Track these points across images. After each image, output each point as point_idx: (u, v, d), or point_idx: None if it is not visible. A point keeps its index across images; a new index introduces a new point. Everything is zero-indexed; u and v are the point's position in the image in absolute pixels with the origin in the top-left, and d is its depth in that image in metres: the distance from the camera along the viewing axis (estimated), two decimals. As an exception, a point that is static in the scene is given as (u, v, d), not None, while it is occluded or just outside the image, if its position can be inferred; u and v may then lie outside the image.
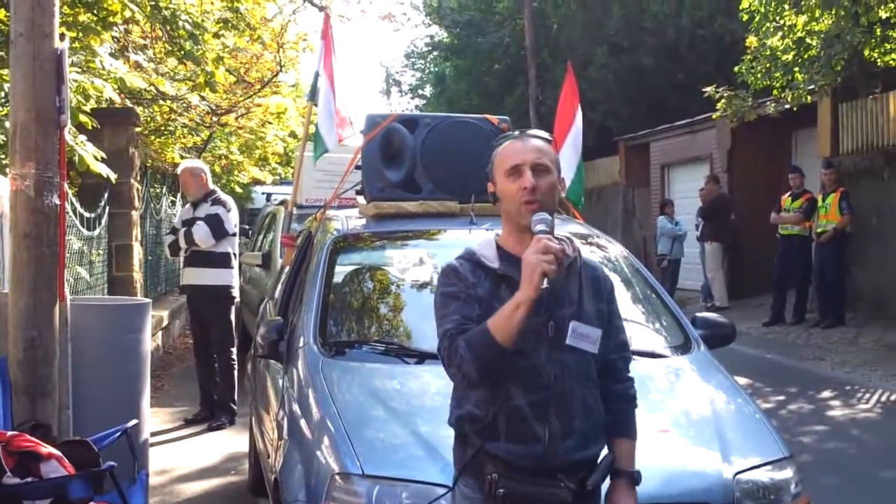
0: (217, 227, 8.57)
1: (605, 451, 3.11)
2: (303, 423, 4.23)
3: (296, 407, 4.39)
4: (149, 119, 14.22)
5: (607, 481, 3.10)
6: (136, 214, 11.83)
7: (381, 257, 5.59)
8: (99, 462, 4.68)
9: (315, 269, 5.10)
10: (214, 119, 15.92)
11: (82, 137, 7.78)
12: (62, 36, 5.33)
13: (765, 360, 11.95)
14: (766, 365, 11.59)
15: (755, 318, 14.60)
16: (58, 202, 5.12)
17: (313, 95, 6.72)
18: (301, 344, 4.65)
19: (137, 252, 11.87)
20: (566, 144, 6.30)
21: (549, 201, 3.03)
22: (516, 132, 3.18)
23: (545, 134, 3.17)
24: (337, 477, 3.69)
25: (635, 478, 3.13)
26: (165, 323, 12.43)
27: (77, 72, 7.90)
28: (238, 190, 21.30)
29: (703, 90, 15.13)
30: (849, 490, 6.62)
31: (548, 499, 2.95)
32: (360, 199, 5.77)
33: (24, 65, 4.98)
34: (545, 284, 2.79)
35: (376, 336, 4.87)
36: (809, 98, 13.86)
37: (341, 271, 5.23)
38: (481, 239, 3.19)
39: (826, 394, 9.91)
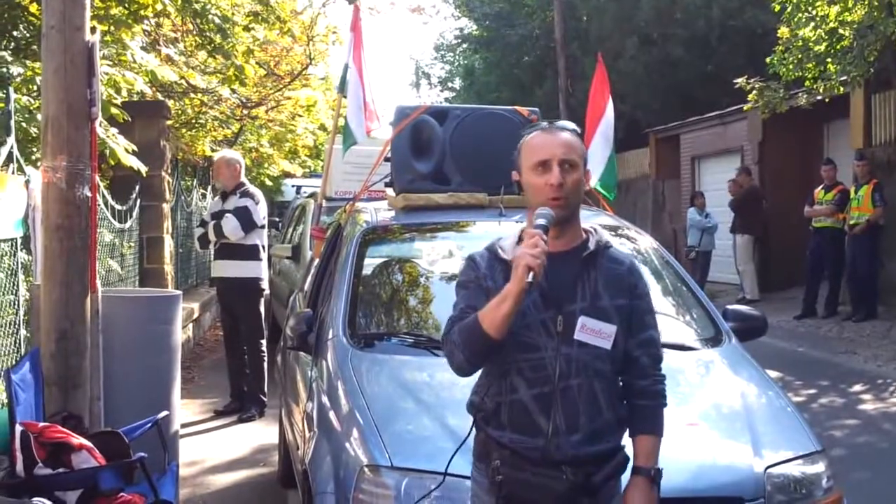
0: (246, 220, 8.60)
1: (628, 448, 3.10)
2: (332, 415, 4.23)
3: (325, 399, 4.40)
4: (180, 112, 14.28)
5: (627, 476, 3.08)
6: (167, 207, 11.90)
7: (410, 249, 5.59)
8: (129, 453, 4.73)
9: (344, 261, 5.10)
10: (245, 112, 15.98)
11: (114, 130, 7.83)
12: (93, 29, 5.36)
13: (796, 353, 11.87)
14: (798, 358, 11.51)
15: (786, 311, 14.50)
16: (89, 194, 5.16)
17: (343, 87, 6.72)
18: (330, 336, 4.66)
19: (168, 244, 11.95)
20: (597, 136, 6.26)
21: (575, 197, 3.02)
22: (545, 123, 3.15)
23: (573, 126, 3.14)
24: (366, 469, 3.69)
25: (653, 476, 3.07)
26: (196, 315, 12.50)
27: (108, 65, 7.94)
28: (268, 183, 21.32)
29: (735, 82, 15.02)
30: (881, 484, 6.57)
31: (543, 489, 2.96)
32: (390, 192, 5.77)
33: (56, 58, 5.02)
34: (529, 279, 2.79)
35: (405, 328, 4.87)
36: (842, 89, 13.73)
37: (370, 263, 5.24)
38: (509, 231, 3.19)
39: (858, 387, 9.84)
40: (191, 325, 12.03)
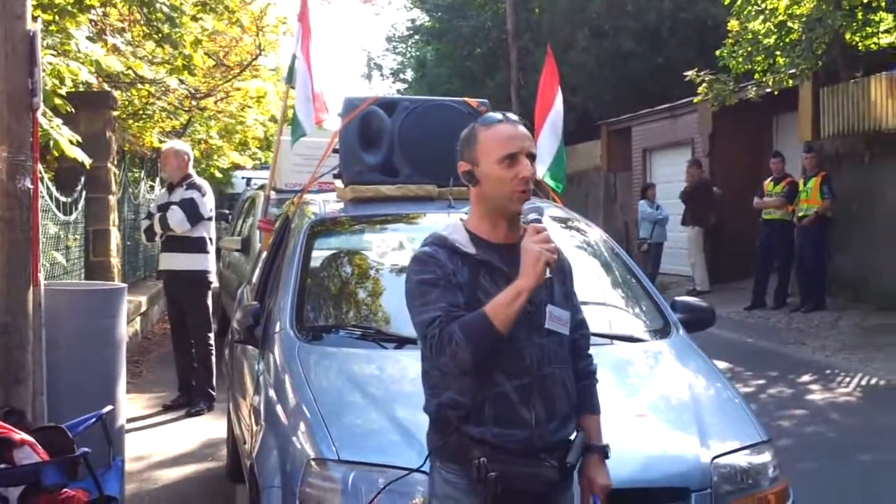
0: (192, 212, 8.49)
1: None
2: (279, 408, 4.19)
3: (272, 392, 4.35)
4: (127, 103, 14.12)
5: None
6: (113, 199, 11.74)
7: (358, 241, 5.54)
8: (73, 448, 4.63)
9: (292, 253, 5.05)
10: (193, 103, 15.83)
11: (58, 121, 7.69)
12: (35, 17, 5.27)
13: (745, 344, 11.97)
14: (747, 349, 11.60)
15: (737, 303, 14.60)
16: (31, 186, 5.06)
17: (290, 78, 6.65)
18: (277, 329, 4.61)
19: (115, 237, 11.78)
20: (546, 127, 6.26)
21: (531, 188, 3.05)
22: (498, 114, 3.12)
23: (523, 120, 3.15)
24: (313, 462, 3.65)
25: (605, 452, 3.16)
26: (144, 308, 12.37)
27: (52, 55, 7.81)
28: (218, 175, 21.18)
29: (685, 74, 15.11)
30: (828, 474, 6.63)
31: (537, 479, 2.98)
32: (338, 183, 5.72)
33: (-5, 47, 4.91)
34: (548, 274, 2.84)
35: (354, 321, 4.82)
36: (791, 82, 13.84)
37: (319, 256, 5.18)
38: (447, 223, 3.15)
39: (806, 378, 9.93)
40: (138, 319, 11.89)
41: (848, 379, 9.76)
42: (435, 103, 5.75)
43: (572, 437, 3.07)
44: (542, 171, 6.09)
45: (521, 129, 3.05)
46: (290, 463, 3.80)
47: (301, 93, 6.38)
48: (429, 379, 3.07)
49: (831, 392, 9.31)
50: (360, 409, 3.95)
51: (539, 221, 2.91)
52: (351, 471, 3.56)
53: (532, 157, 3.02)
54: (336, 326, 4.73)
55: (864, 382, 9.61)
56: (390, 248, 5.22)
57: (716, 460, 3.78)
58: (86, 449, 4.47)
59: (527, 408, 2.95)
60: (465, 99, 5.77)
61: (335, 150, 5.75)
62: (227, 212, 18.19)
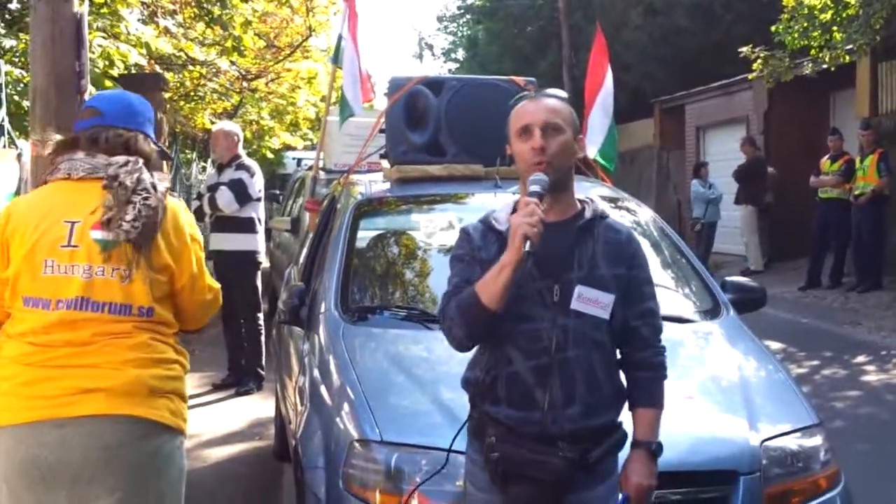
0: (241, 193, 8.51)
1: (626, 423, 3.04)
2: (323, 389, 4.19)
3: (316, 373, 4.35)
4: (178, 84, 14.21)
5: (626, 452, 3.03)
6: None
7: (404, 221, 5.52)
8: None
9: (337, 233, 5.04)
10: (244, 84, 15.89)
11: (109, 104, 7.73)
12: (82, 0, 5.29)
13: (800, 324, 11.81)
14: (801, 329, 11.45)
15: (791, 282, 14.43)
16: (78, 167, 5.07)
17: (337, 58, 6.64)
18: (322, 310, 4.60)
19: (168, 218, 11.83)
20: (596, 106, 6.20)
21: (561, 162, 2.94)
22: (532, 93, 3.12)
23: (561, 93, 3.09)
24: (356, 443, 3.65)
25: (653, 450, 3.02)
26: (196, 288, 12.41)
27: (102, 37, 7.86)
28: (269, 155, 21.29)
29: (740, 51, 14.88)
30: (882, 456, 6.52)
31: (540, 466, 2.90)
32: (385, 163, 5.70)
33: (44, 29, 4.96)
34: (527, 248, 2.74)
35: (399, 301, 4.82)
36: (847, 58, 13.58)
37: (364, 236, 5.18)
38: (503, 202, 3.12)
39: (861, 359, 9.78)
40: (191, 299, 11.95)
41: (904, 360, 9.60)
42: (481, 82, 5.71)
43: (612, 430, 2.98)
44: (593, 150, 6.03)
45: (545, 101, 2.99)
46: (333, 444, 3.80)
47: (348, 73, 6.36)
48: (473, 355, 3.08)
49: (886, 373, 9.16)
50: (404, 391, 3.94)
51: (539, 195, 2.83)
52: (394, 452, 3.55)
53: (556, 130, 2.93)
54: (381, 307, 4.72)
55: (920, 364, 9.44)
56: (436, 229, 5.19)
57: (765, 443, 3.72)
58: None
59: (542, 390, 2.88)
60: (512, 77, 5.72)
61: (381, 131, 5.72)
62: (277, 192, 18.31)
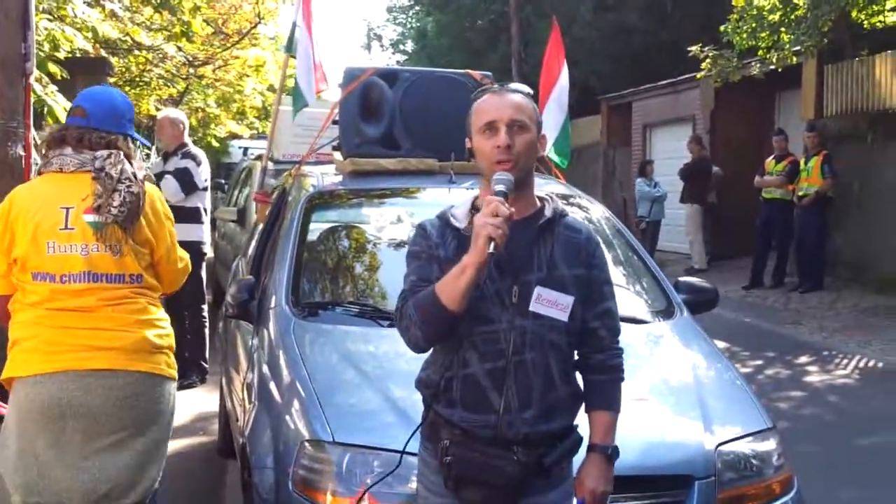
0: (186, 182, 8.34)
1: (582, 427, 2.99)
2: (272, 386, 4.10)
3: (266, 369, 4.27)
4: (124, 69, 13.96)
5: (581, 455, 2.98)
6: (109, 167, 11.58)
7: (357, 215, 5.44)
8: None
9: (289, 226, 4.95)
10: (191, 71, 15.67)
11: (53, 87, 7.56)
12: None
13: (743, 323, 11.88)
14: (745, 329, 11.51)
15: (735, 282, 14.53)
16: (23, 153, 4.97)
17: (290, 47, 6.52)
18: (272, 304, 4.51)
19: (110, 205, 11.63)
20: (550, 102, 6.15)
21: (525, 161, 2.88)
22: (495, 86, 3.01)
23: (525, 88, 3.00)
24: (307, 444, 3.58)
25: (609, 454, 2.98)
26: (140, 278, 12.21)
27: (47, 20, 7.67)
28: (215, 144, 21.09)
29: (688, 50, 14.96)
30: (826, 457, 6.57)
31: (494, 470, 2.84)
32: (337, 156, 5.61)
33: (-12, 10, 4.79)
34: (490, 249, 2.66)
35: (351, 297, 4.74)
36: (795, 59, 13.72)
37: (316, 229, 5.09)
38: (460, 198, 3.04)
39: (804, 359, 9.86)
40: (134, 289, 11.75)
41: (846, 361, 9.70)
42: (437, 75, 5.65)
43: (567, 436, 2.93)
44: (546, 146, 5.97)
45: (511, 97, 2.91)
46: (283, 443, 3.72)
47: (302, 62, 6.25)
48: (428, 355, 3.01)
49: (829, 374, 9.24)
50: (356, 389, 3.87)
51: (504, 194, 2.75)
52: (346, 453, 3.48)
53: (522, 128, 2.86)
54: (333, 303, 4.64)
55: (861, 365, 9.54)
56: (389, 223, 5.12)
57: (720, 447, 3.70)
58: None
59: (497, 393, 2.82)
60: (469, 71, 5.66)
61: (335, 122, 5.63)
62: (223, 182, 18.09)
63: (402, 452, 3.23)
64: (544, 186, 5.31)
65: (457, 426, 2.85)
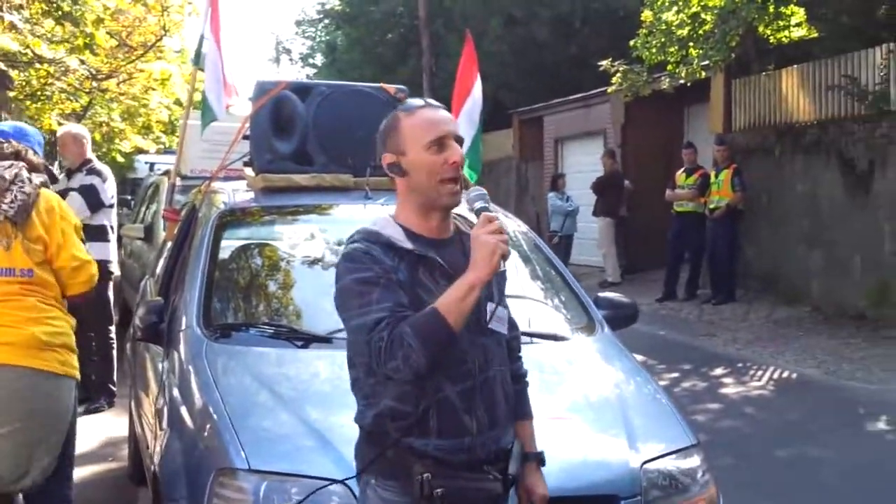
0: (92, 199, 8.10)
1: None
2: (184, 411, 3.93)
3: (177, 394, 4.09)
4: (24, 83, 13.56)
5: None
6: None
7: (270, 233, 5.27)
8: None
9: (199, 245, 4.77)
10: (94, 84, 15.29)
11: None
12: None
13: (657, 336, 11.92)
14: (659, 342, 11.56)
15: (648, 294, 14.61)
16: None
17: (198, 60, 6.33)
18: (183, 326, 4.34)
19: (9, 223, 11.26)
20: (462, 115, 6.07)
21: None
22: (419, 100, 2.93)
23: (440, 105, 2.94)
24: (221, 472, 3.42)
25: (542, 459, 3.02)
26: (42, 298, 11.84)
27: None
28: (120, 159, 20.68)
29: (599, 64, 15.07)
30: (744, 469, 6.58)
31: (482, 492, 2.78)
32: (249, 171, 5.45)
33: None
34: (502, 267, 2.64)
35: (265, 318, 4.57)
36: (703, 74, 13.89)
37: (227, 248, 4.91)
38: (375, 218, 2.91)
39: (719, 371, 9.93)
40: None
41: (760, 372, 9.78)
42: (351, 89, 5.52)
43: (511, 446, 2.89)
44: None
45: (445, 113, 2.87)
46: (196, 472, 3.57)
47: (211, 75, 6.07)
48: (361, 388, 2.81)
49: (744, 385, 9.31)
50: (271, 413, 3.72)
51: (488, 210, 2.71)
52: (263, 481, 3.34)
53: (460, 142, 2.83)
54: (246, 324, 4.48)
55: (776, 375, 9.63)
56: (303, 241, 4.98)
57: (645, 465, 3.65)
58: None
59: (469, 415, 2.75)
60: (383, 85, 5.54)
61: (245, 137, 5.46)
62: (129, 198, 17.71)
63: (335, 481, 3.16)
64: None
65: (430, 456, 2.72)
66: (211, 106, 6.02)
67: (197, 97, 6.65)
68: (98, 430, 7.63)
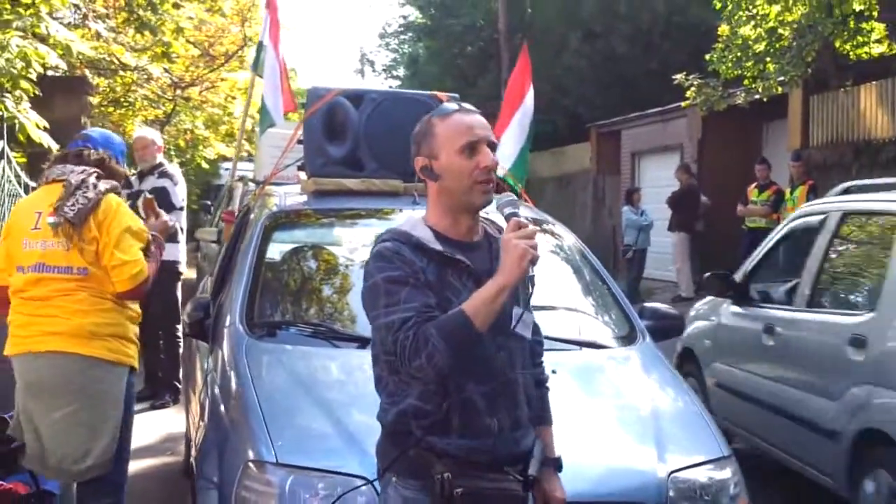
0: (163, 201, 8.29)
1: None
2: (222, 406, 4.05)
3: (217, 389, 4.21)
4: (108, 90, 13.93)
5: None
6: (88, 186, 11.53)
7: (319, 235, 5.39)
8: (12, 440, 4.53)
9: (247, 245, 4.90)
10: (177, 92, 15.64)
11: (25, 104, 7.52)
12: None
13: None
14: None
15: (720, 310, 14.42)
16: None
17: (257, 66, 6.49)
18: (227, 323, 4.45)
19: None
20: (512, 125, 6.11)
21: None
22: (453, 104, 2.98)
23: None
24: (250, 464, 3.52)
25: (560, 464, 3.04)
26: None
27: (20, 36, 7.62)
28: (204, 165, 21.05)
29: (674, 78, 14.96)
30: (797, 489, 6.49)
31: (504, 493, 2.81)
32: (302, 175, 5.57)
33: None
34: (531, 272, 2.67)
35: (307, 317, 4.67)
36: (780, 89, 13.70)
37: (276, 248, 5.03)
38: (406, 219, 2.97)
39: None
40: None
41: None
42: (402, 96, 5.62)
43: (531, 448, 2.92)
44: (502, 170, 5.95)
45: (479, 117, 2.90)
46: (227, 463, 3.67)
47: (269, 82, 6.23)
48: (385, 385, 2.86)
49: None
50: (304, 411, 3.80)
51: (517, 216, 2.74)
52: (289, 475, 3.42)
53: (493, 147, 2.87)
54: (287, 323, 4.58)
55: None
56: (351, 244, 5.07)
57: (673, 475, 3.65)
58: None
59: (491, 416, 2.79)
60: (435, 93, 5.62)
61: (300, 142, 5.58)
62: (209, 203, 18.06)
63: (367, 481, 3.21)
64: (519, 204, 5.29)
65: (451, 455, 2.76)
66: (269, 111, 6.16)
67: (257, 103, 6.80)
68: (161, 425, 7.84)
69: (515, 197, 2.89)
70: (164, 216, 5.27)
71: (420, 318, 2.67)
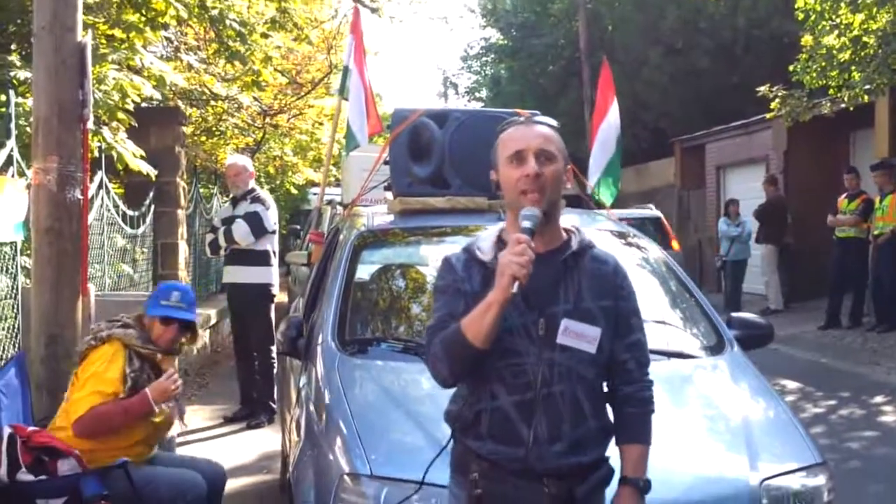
0: (256, 225, 8.55)
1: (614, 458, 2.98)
2: (317, 422, 4.15)
3: (311, 406, 4.32)
4: (201, 120, 14.28)
5: (613, 488, 2.95)
6: (182, 213, 11.87)
7: (406, 254, 5.49)
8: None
9: (337, 264, 5.01)
10: (266, 120, 15.95)
11: (122, 135, 7.79)
12: (86, 30, 5.33)
13: (818, 363, 11.66)
14: (820, 369, 11.31)
15: (811, 322, 14.27)
16: (80, 196, 5.11)
17: (343, 90, 6.64)
18: (320, 341, 4.56)
19: (183, 250, 11.91)
20: (597, 139, 6.15)
21: (552, 192, 2.86)
22: (520, 118, 3.03)
23: (551, 121, 3.02)
24: (346, 477, 3.60)
25: (641, 486, 2.94)
26: (214, 321, 12.45)
27: (115, 69, 7.90)
28: (293, 191, 21.37)
29: (758, 90, 14.81)
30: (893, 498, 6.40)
31: (525, 502, 2.83)
32: (388, 195, 5.68)
33: (47, 58, 4.98)
34: (514, 289, 2.65)
35: (398, 334, 4.77)
36: (866, 97, 13.49)
37: (365, 268, 5.14)
38: (486, 231, 3.05)
39: (879, 399, 9.62)
40: (207, 332, 11.97)
41: (922, 402, 9.44)
42: (486, 114, 5.71)
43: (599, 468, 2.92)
44: (592, 181, 6.00)
45: (538, 128, 2.93)
46: (324, 478, 3.75)
47: (354, 105, 6.36)
48: (458, 388, 3.00)
49: (905, 415, 9.01)
50: (397, 425, 3.89)
51: (531, 231, 2.74)
52: (384, 486, 3.50)
53: (549, 159, 2.86)
54: (378, 339, 4.68)
55: (939, 405, 9.28)
56: (437, 261, 5.15)
57: (766, 482, 3.65)
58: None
59: (526, 425, 2.81)
60: (517, 110, 5.68)
61: (385, 162, 5.70)
62: (298, 227, 18.35)
63: (422, 483, 3.27)
64: (596, 224, 5.34)
65: (485, 459, 2.84)
66: (354, 133, 6.30)
67: (342, 127, 6.94)
68: (257, 444, 8.00)
69: (538, 211, 2.79)
70: (163, 378, 4.76)
71: (438, 327, 2.81)
